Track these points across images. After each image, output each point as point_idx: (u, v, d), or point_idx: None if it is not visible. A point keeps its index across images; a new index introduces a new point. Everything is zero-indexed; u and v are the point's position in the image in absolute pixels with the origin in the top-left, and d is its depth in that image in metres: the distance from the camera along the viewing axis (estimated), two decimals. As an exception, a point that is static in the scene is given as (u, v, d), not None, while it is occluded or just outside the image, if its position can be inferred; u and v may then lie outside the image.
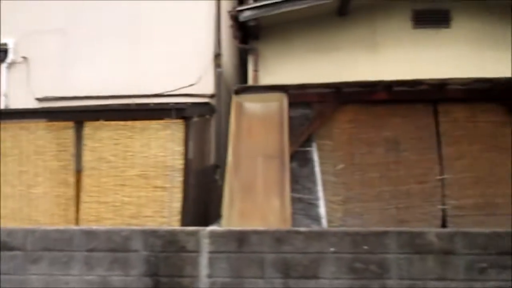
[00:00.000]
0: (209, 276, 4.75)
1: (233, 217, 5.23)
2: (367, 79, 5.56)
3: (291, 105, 5.51)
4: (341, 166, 5.41)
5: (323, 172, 5.43)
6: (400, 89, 5.44)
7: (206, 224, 5.36)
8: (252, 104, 5.56)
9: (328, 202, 5.35)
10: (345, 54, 6.89)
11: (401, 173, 5.33)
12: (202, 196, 6.38)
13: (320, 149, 5.50)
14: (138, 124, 5.86)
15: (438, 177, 5.30)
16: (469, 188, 5.22)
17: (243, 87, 5.86)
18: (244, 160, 5.37)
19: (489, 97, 5.42)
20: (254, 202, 5.26)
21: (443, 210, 5.25)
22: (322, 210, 5.33)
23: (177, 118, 5.83)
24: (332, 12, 6.99)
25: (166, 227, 5.30)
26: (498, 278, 4.53)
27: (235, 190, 5.33)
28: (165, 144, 5.80)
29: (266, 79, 6.78)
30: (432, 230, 4.76)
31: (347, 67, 6.65)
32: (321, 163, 5.46)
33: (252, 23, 6.58)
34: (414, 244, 4.65)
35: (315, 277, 4.67)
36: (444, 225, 5.20)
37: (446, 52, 6.87)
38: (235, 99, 5.59)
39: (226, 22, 7.39)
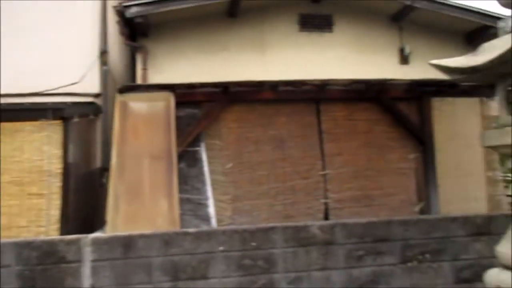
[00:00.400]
0: (93, 286, 4.48)
1: (118, 222, 4.98)
2: (255, 79, 5.66)
3: (179, 104, 5.40)
4: (229, 165, 5.44)
5: (212, 172, 5.41)
6: (285, 89, 5.62)
7: (93, 231, 5.04)
8: (138, 104, 5.34)
9: (217, 201, 5.35)
10: (234, 54, 6.97)
11: (287, 170, 5.52)
12: (87, 202, 6.00)
13: (208, 149, 5.47)
14: (8, 125, 5.30)
15: (321, 173, 5.58)
16: (348, 182, 5.58)
17: (128, 86, 5.61)
18: (129, 161, 5.14)
19: (365, 97, 5.84)
20: (141, 205, 5.07)
21: (325, 204, 5.54)
22: (211, 209, 5.31)
23: (55, 118, 5.39)
24: (222, 13, 7.03)
25: (43, 237, 4.87)
26: (374, 263, 4.91)
27: (120, 193, 5.08)
28: (41, 147, 5.33)
29: (155, 78, 6.58)
30: (315, 223, 5.00)
31: (236, 67, 6.72)
32: (210, 163, 5.44)
33: (139, 20, 6.33)
34: (299, 238, 4.85)
35: (205, 277, 4.64)
36: (326, 217, 5.49)
37: (329, 54, 7.28)
38: (119, 98, 5.33)
39: (114, 18, 7.03)
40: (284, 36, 7.33)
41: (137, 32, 6.78)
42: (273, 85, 5.55)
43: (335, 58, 7.22)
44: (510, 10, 3.47)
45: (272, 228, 4.87)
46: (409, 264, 4.91)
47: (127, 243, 4.63)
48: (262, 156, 5.51)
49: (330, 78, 5.68)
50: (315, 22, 7.49)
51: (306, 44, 7.34)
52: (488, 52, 3.29)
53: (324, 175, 5.58)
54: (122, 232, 4.77)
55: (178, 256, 4.64)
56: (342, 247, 4.88)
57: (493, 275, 3.36)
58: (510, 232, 3.34)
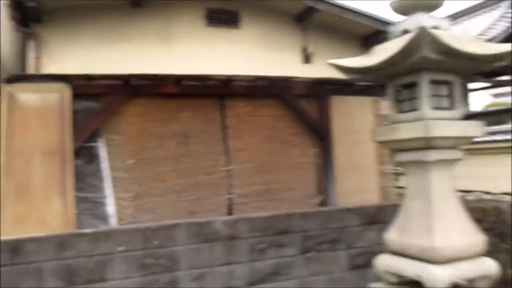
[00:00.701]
0: (-26, 297, 4.05)
1: (6, 225, 4.54)
2: (160, 72, 5.48)
3: (76, 97, 5.05)
4: (131, 161, 5.24)
5: (112, 168, 5.16)
6: (190, 83, 5.53)
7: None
8: (28, 95, 4.89)
9: (117, 199, 5.11)
10: (138, 46, 6.70)
11: (191, 166, 5.45)
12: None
13: (108, 144, 5.20)
14: None
15: (225, 168, 5.60)
16: (252, 177, 5.67)
17: (17, 76, 5.13)
18: (19, 158, 4.71)
19: (269, 93, 5.96)
20: (32, 206, 4.68)
21: (229, 199, 5.58)
22: (111, 208, 5.06)
23: None
24: (125, 1, 6.71)
25: None
26: (276, 255, 5.06)
27: (8, 193, 4.64)
28: None
29: (50, 68, 6.09)
30: (219, 219, 5.01)
31: (140, 59, 6.45)
32: (110, 159, 5.17)
33: (31, 4, 5.81)
34: (203, 234, 4.84)
35: (103, 279, 4.43)
36: (230, 213, 5.53)
37: (236, 51, 7.32)
38: (6, 89, 4.85)
39: (4, 1, 6.36)
40: (191, 30, 7.21)
41: (29, 17, 6.22)
42: (178, 79, 5.43)
43: (242, 55, 7.28)
44: (401, 16, 3.73)
45: (175, 225, 4.79)
46: (308, 254, 5.13)
47: (15, 248, 4.26)
48: (165, 152, 5.38)
49: (236, 74, 5.70)
50: (223, 17, 7.49)
51: (214, 39, 7.30)
52: (380, 54, 3.51)
53: (228, 171, 5.61)
54: (10, 235, 4.37)
55: (74, 259, 4.37)
56: (246, 241, 4.95)
57: (381, 260, 3.61)
58: (396, 220, 3.62)
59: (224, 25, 7.47)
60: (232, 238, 4.92)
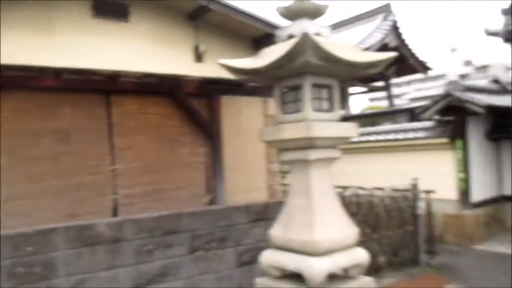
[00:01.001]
0: None
1: None
2: (40, 64, 5.00)
3: None
4: (2, 160, 4.72)
5: (-23, 169, 4.60)
6: (72, 77, 5.17)
7: None
8: None
9: (-17, 203, 4.58)
10: (14, 33, 6.04)
11: (72, 165, 5.10)
12: None
13: (-27, 142, 4.63)
14: None
15: (110, 168, 5.34)
16: (139, 176, 5.49)
17: None
18: None
19: (159, 91, 5.82)
20: None
21: (115, 200, 5.33)
22: (-26, 213, 4.51)
23: None
24: (-2, -17, 6.01)
25: None
26: (164, 256, 4.95)
27: None
28: None
29: None
30: (102, 221, 4.75)
31: (16, 48, 5.83)
32: (-25, 158, 4.62)
33: None
34: (84, 237, 4.53)
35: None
36: (115, 214, 5.29)
37: (125, 45, 6.98)
38: None
39: None
40: (76, 20, 6.67)
41: None
42: (57, 72, 5.04)
43: (131, 50, 6.95)
44: (287, 21, 3.88)
45: (52, 230, 4.42)
46: (197, 254, 5.11)
47: None
48: (42, 150, 4.95)
49: (123, 69, 5.45)
50: (111, 9, 7.08)
51: (101, 32, 6.87)
52: (267, 56, 3.61)
53: (113, 170, 5.36)
54: None
55: None
56: (131, 243, 4.76)
57: (266, 255, 3.73)
58: (280, 216, 3.77)
59: (112, 18, 7.07)
60: (117, 240, 4.69)
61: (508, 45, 10.20)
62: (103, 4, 6.99)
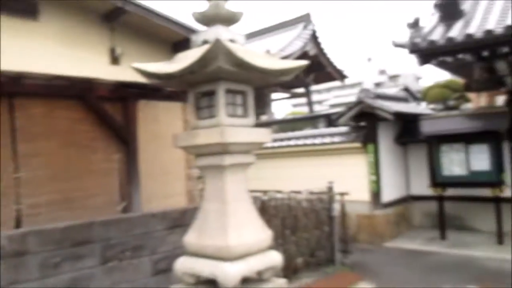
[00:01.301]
0: None
1: None
2: None
3: None
4: None
5: None
6: (-32, 78, 4.73)
7: None
8: None
9: None
10: None
11: (-33, 174, 4.66)
12: None
13: None
14: None
15: (13, 176, 4.96)
16: (46, 184, 5.16)
17: None
18: None
19: (69, 94, 5.51)
20: None
21: (18, 210, 4.95)
22: None
23: None
24: None
25: None
26: (73, 268, 4.67)
27: None
28: None
29: None
30: (2, 234, 4.38)
31: None
32: None
33: None
34: (-20, 252, 4.15)
35: None
36: (19, 225, 4.91)
37: (34, 45, 6.54)
38: None
39: None
40: (-23, 16, 6.16)
41: None
42: (-50, 72, 4.58)
43: (40, 50, 6.53)
44: (203, 26, 3.86)
45: None
46: (110, 264, 4.90)
47: None
48: None
49: (30, 70, 5.10)
50: (18, 6, 6.60)
51: (7, 30, 6.37)
52: (181, 61, 3.57)
53: (16, 178, 4.97)
54: None
55: None
56: (36, 257, 4.44)
57: (180, 263, 3.66)
58: (195, 222, 3.73)
59: (20, 15, 6.60)
60: (20, 254, 4.35)
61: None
62: (9, 1, 6.51)
